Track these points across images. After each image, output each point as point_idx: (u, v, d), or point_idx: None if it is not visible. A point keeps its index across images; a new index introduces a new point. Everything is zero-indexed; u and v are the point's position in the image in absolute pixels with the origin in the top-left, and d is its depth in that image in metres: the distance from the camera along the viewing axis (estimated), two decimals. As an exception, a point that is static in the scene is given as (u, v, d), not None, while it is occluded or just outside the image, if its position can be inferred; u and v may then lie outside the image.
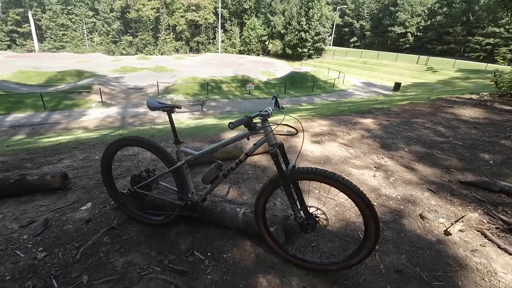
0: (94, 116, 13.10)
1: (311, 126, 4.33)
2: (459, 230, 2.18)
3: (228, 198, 2.43)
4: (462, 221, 2.24)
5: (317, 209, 1.56)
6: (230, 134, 3.98)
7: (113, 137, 4.50)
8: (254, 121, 1.30)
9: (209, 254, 1.82)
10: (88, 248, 1.83)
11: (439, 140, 3.84)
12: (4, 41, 44.84)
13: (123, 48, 48.03)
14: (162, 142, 3.76)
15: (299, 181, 1.51)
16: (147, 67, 27.85)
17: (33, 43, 45.41)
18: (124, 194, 1.96)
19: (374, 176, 2.87)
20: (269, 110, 1.37)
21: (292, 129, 1.37)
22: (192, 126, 6.46)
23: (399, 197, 2.55)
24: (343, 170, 2.97)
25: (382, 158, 3.25)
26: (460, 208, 2.44)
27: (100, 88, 15.69)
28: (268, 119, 1.38)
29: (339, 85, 25.17)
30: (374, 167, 3.06)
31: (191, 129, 5.08)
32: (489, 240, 2.09)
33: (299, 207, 1.54)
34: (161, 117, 13.23)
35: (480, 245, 2.04)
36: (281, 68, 33.78)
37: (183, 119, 12.74)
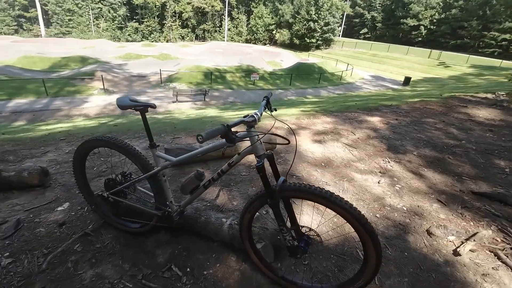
0: (95, 104, 12.96)
1: (314, 123, 4.08)
2: (469, 250, 1.95)
3: (216, 203, 2.23)
4: (474, 240, 2.01)
5: (310, 230, 1.34)
6: (227, 130, 3.76)
7: (108, 127, 4.32)
8: (235, 129, 1.08)
9: (188, 269, 1.63)
10: (56, 257, 1.66)
11: (451, 143, 3.57)
12: (11, 26, 44.67)
13: (129, 35, 47.56)
14: (154, 136, 3.55)
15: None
16: (151, 54, 27.50)
17: (40, 28, 45.13)
18: (100, 197, 1.77)
19: (378, 182, 2.63)
20: (256, 115, 1.14)
21: (283, 139, 1.14)
22: (191, 118, 6.26)
23: (404, 209, 2.32)
24: (345, 174, 2.74)
25: (389, 162, 3.00)
26: (472, 223, 2.21)
27: (102, 75, 15.49)
28: (256, 125, 1.15)
29: (346, 78, 24.56)
30: (379, 172, 2.82)
31: (188, 121, 4.87)
32: (503, 262, 1.87)
33: (289, 227, 1.33)
34: (163, 106, 13.03)
35: (493, 268, 1.82)
36: (288, 59, 33.08)
37: (185, 108, 12.54)
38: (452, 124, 4.27)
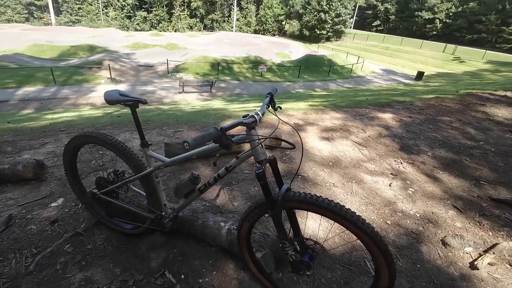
0: (102, 93, 12.92)
1: (322, 119, 3.90)
2: (488, 263, 1.79)
3: (216, 203, 2.12)
4: (493, 252, 1.85)
5: (315, 243, 1.20)
6: (231, 124, 3.62)
7: (112, 118, 4.23)
8: (233, 131, 0.94)
9: (182, 276, 1.52)
10: (45, 257, 1.58)
11: (468, 144, 3.36)
12: (22, 14, 44.91)
13: (137, 24, 47.33)
14: (156, 129, 3.45)
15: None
16: (159, 44, 27.31)
17: (50, 16, 45.27)
18: (91, 196, 1.67)
19: (390, 185, 2.47)
20: (257, 115, 0.99)
21: (288, 144, 0.99)
22: (196, 110, 6.14)
23: (418, 215, 2.16)
24: (354, 175, 2.58)
25: (401, 163, 2.83)
26: (490, 233, 2.04)
27: (109, 65, 15.45)
28: (257, 126, 1.01)
29: (357, 71, 23.97)
30: (391, 173, 2.65)
31: (192, 114, 4.75)
32: (526, 278, 1.71)
33: (291, 240, 1.19)
34: (169, 96, 12.94)
35: (514, 284, 1.66)
36: (297, 50, 32.46)
37: (191, 99, 12.42)
38: (469, 123, 4.04)
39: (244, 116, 1.00)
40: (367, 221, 1.02)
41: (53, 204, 2.02)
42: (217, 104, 8.78)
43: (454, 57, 30.50)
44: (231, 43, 31.14)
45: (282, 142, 0.98)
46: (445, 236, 1.99)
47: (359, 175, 2.58)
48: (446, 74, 24.53)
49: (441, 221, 2.13)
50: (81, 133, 1.42)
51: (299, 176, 2.51)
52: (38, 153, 2.72)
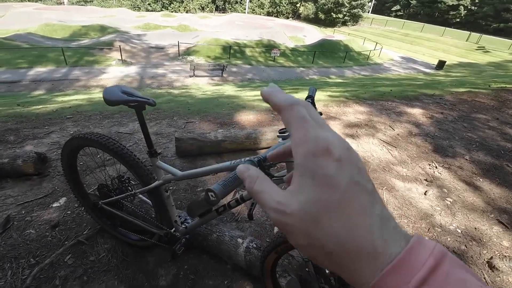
0: (113, 75, 12.78)
1: (344, 113, 3.59)
2: (547, 294, 1.54)
3: (232, 211, 1.91)
4: (552, 281, 1.59)
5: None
6: (245, 117, 3.37)
7: (120, 106, 4.02)
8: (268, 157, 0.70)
9: (195, 300, 1.34)
10: (43, 270, 1.41)
11: (508, 147, 3.01)
12: (35, -9, 44.59)
13: (149, 4, 46.36)
14: (166, 119, 3.23)
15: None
16: (170, 25, 26.68)
17: (62, -6, 44.80)
18: (93, 205, 1.48)
19: (425, 194, 2.20)
20: None
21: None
22: (207, 96, 5.88)
23: (459, 231, 1.90)
24: (384, 180, 2.32)
25: (436, 168, 2.53)
26: (546, 257, 1.77)
27: (120, 46, 15.17)
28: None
29: (374, 58, 22.93)
30: (425, 180, 2.37)
31: (204, 102, 4.49)
32: None
33: (327, 275, 0.97)
34: (180, 80, 12.67)
35: None
36: (311, 34, 31.23)
37: (202, 84, 12.13)
38: (507, 122, 3.65)
39: (281, 131, 0.75)
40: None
41: (54, 205, 1.85)
42: (229, 90, 8.48)
43: (478, 47, 28.77)
44: (244, 26, 30.20)
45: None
46: (491, 258, 1.74)
47: (389, 181, 2.32)
48: (468, 64, 23.20)
49: (485, 239, 1.87)
50: (79, 134, 1.20)
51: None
52: (41, 144, 2.55)
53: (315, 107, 0.97)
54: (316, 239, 0.20)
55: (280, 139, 0.74)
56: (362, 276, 0.19)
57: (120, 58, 14.60)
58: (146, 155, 1.23)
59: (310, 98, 0.96)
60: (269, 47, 19.87)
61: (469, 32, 32.35)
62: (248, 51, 19.23)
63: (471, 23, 41.15)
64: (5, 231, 1.63)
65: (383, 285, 0.18)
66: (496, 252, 1.78)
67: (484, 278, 1.61)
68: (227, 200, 1.01)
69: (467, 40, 31.06)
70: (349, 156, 0.21)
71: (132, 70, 13.64)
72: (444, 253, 0.19)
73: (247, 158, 0.56)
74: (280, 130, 0.75)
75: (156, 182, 1.12)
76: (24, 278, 1.37)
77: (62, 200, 1.89)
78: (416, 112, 3.73)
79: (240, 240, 1.44)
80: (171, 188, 2.03)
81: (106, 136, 1.18)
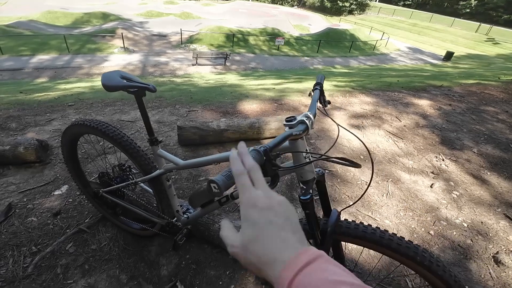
0: (115, 63, 12.67)
1: (350, 103, 3.52)
2: (553, 290, 1.52)
3: (235, 202, 1.88)
4: (560, 277, 1.57)
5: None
6: (249, 106, 3.31)
7: (122, 94, 3.98)
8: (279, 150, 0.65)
9: (196, 290, 1.33)
10: (45, 258, 1.41)
11: (518, 139, 2.94)
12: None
13: (151, -10, 45.47)
14: (168, 107, 3.19)
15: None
16: (173, 12, 26.23)
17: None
18: (94, 194, 1.46)
19: (431, 186, 2.16)
20: (308, 120, 0.68)
21: (353, 164, 0.69)
22: (210, 85, 5.80)
23: (465, 225, 1.87)
24: (390, 172, 2.28)
25: (443, 160, 2.48)
26: (553, 252, 1.73)
27: (122, 33, 14.98)
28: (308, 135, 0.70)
29: (380, 48, 22.47)
30: (432, 172, 2.33)
31: (206, 90, 4.43)
32: None
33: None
34: (182, 68, 12.54)
35: None
36: (317, 23, 30.57)
37: (204, 72, 12.01)
38: (517, 115, 3.56)
39: (288, 119, 0.70)
40: (448, 268, 0.75)
41: (56, 192, 1.84)
42: (232, 79, 8.37)
43: (488, 38, 28.02)
44: (247, 13, 29.61)
45: (343, 162, 0.69)
46: (497, 252, 1.71)
47: (395, 173, 2.28)
48: (477, 55, 22.66)
49: (492, 233, 1.84)
50: (79, 121, 1.17)
51: (326, 171, 2.23)
52: (43, 131, 2.53)
53: (324, 94, 0.92)
54: (248, 258, 0.34)
55: (286, 128, 0.69)
56: (271, 274, 0.31)
57: (123, 45, 14.45)
58: (147, 143, 1.19)
59: (319, 85, 0.91)
60: (273, 35, 19.53)
61: (479, 23, 31.49)
62: (251, 40, 18.92)
63: (481, 14, 39.93)
64: (7, 219, 1.63)
65: (281, 278, 0.30)
66: (502, 247, 1.75)
67: (490, 273, 1.59)
68: (230, 191, 0.98)
69: (476, 31, 30.26)
70: (268, 205, 0.35)
71: (135, 58, 13.51)
72: (318, 255, 0.31)
73: (252, 148, 0.51)
74: (286, 118, 0.71)
75: (157, 171, 1.09)
76: (25, 266, 1.37)
77: (64, 188, 1.88)
78: (424, 103, 3.64)
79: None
80: (173, 177, 2.01)
81: (106, 123, 1.14)
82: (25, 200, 1.76)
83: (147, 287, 1.32)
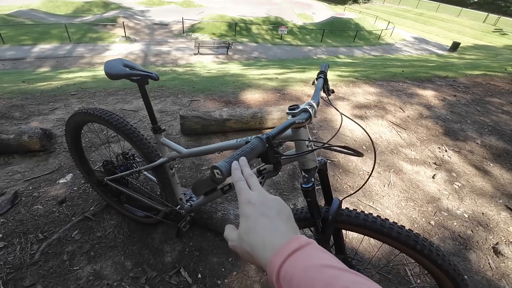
0: (117, 52, 12.57)
1: (354, 93, 3.49)
2: (551, 280, 1.54)
3: (236, 190, 1.90)
4: (558, 267, 1.58)
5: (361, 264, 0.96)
6: (251, 96, 3.29)
7: (122, 82, 3.97)
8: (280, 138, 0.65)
9: (199, 276, 1.36)
10: (51, 245, 1.44)
11: (522, 131, 2.91)
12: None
13: (152, -23, 44.57)
14: (171, 97, 3.18)
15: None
16: (174, 0, 25.79)
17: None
18: (99, 181, 1.48)
19: (433, 177, 2.16)
20: (311, 108, 0.68)
21: (355, 153, 0.69)
22: (212, 74, 5.76)
23: (466, 216, 1.88)
24: (392, 163, 2.28)
25: (446, 151, 2.47)
26: (554, 243, 1.75)
27: (123, 22, 14.79)
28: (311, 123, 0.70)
29: (385, 38, 22.06)
30: (434, 163, 2.32)
31: (208, 80, 4.41)
32: None
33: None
34: (184, 58, 12.43)
35: None
36: (321, 12, 29.96)
37: (206, 62, 11.91)
38: (523, 106, 3.51)
39: (291, 108, 0.70)
40: (449, 258, 0.76)
41: (61, 181, 1.86)
42: (234, 68, 8.30)
43: (496, 29, 27.39)
44: (250, 2, 29.03)
45: (345, 150, 0.69)
46: (497, 243, 1.73)
47: (397, 163, 2.27)
48: (484, 46, 22.18)
49: (492, 224, 1.85)
50: (82, 109, 1.17)
51: (328, 161, 2.23)
52: (47, 120, 2.55)
53: (327, 83, 0.92)
54: (243, 248, 0.37)
55: (289, 116, 0.69)
56: (263, 261, 0.34)
57: (124, 35, 14.30)
58: (151, 132, 1.19)
59: (322, 74, 0.90)
60: (276, 24, 19.21)
61: (487, 13, 30.75)
62: (254, 28, 18.63)
63: (489, 3, 38.84)
64: (13, 207, 1.66)
65: (272, 263, 0.32)
66: (503, 238, 1.77)
67: (489, 263, 1.61)
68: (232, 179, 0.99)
69: (484, 21, 29.58)
70: (262, 201, 0.39)
71: (136, 47, 13.39)
72: (308, 242, 0.33)
73: (255, 136, 0.52)
74: (290, 106, 0.71)
75: (161, 159, 1.09)
76: (32, 253, 1.40)
77: (69, 177, 1.90)
78: (428, 94, 3.60)
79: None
80: (176, 166, 2.03)
81: (110, 111, 1.14)
82: (30, 188, 1.79)
83: (152, 274, 1.35)
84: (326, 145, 0.69)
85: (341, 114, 0.78)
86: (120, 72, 0.93)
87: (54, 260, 1.37)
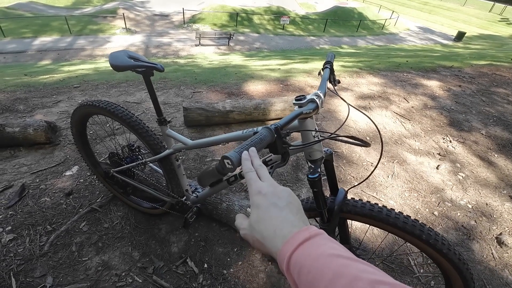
0: (118, 44, 12.49)
1: (358, 84, 3.45)
2: (554, 269, 1.55)
3: (243, 181, 1.91)
4: (561, 257, 1.59)
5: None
6: (254, 87, 3.28)
7: (125, 74, 3.95)
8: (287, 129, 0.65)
9: (205, 265, 1.39)
10: (60, 237, 1.47)
11: (529, 121, 2.88)
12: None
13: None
14: (173, 89, 3.17)
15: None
16: (175, -10, 25.38)
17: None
18: (105, 173, 1.50)
19: (437, 168, 2.16)
20: (318, 98, 0.67)
21: (361, 142, 0.69)
22: (214, 65, 5.72)
23: (469, 206, 1.88)
24: (396, 154, 2.27)
25: (450, 142, 2.46)
26: (557, 233, 1.75)
27: (124, 13, 14.63)
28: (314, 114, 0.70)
29: (389, 27, 21.67)
30: (438, 154, 2.32)
31: (210, 71, 4.38)
32: None
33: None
34: (185, 49, 12.32)
35: None
36: (324, 1, 29.38)
37: (208, 53, 11.81)
38: (530, 96, 3.47)
39: (297, 99, 0.69)
40: (455, 248, 0.76)
41: (67, 173, 1.88)
42: (236, 59, 8.23)
43: (502, 18, 26.78)
44: (252, -9, 28.49)
45: (350, 140, 0.69)
46: (500, 234, 1.73)
47: (401, 154, 2.27)
48: (489, 36, 21.73)
49: (496, 215, 1.86)
50: (87, 101, 1.18)
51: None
52: (50, 113, 2.56)
53: (334, 73, 0.91)
54: (254, 236, 0.38)
55: (296, 107, 0.69)
56: (273, 249, 0.35)
57: (124, 26, 14.17)
58: (156, 123, 1.19)
59: (329, 64, 0.89)
60: (278, 14, 18.90)
61: (493, 2, 30.01)
62: (256, 19, 18.37)
63: (496, -9, 37.78)
64: (21, 199, 1.68)
65: (282, 251, 0.33)
66: (506, 228, 1.77)
67: (492, 253, 1.62)
68: (237, 171, 0.99)
69: (490, 10, 28.91)
70: (272, 192, 0.39)
71: (137, 39, 13.28)
72: (318, 232, 0.34)
73: (263, 126, 0.52)
74: (296, 97, 0.70)
75: (167, 151, 1.10)
76: (42, 245, 1.43)
77: (75, 169, 1.92)
78: (433, 84, 3.56)
79: (249, 210, 1.45)
80: (181, 157, 2.04)
81: (115, 104, 1.15)
82: (37, 181, 1.81)
83: (159, 264, 1.38)
84: (333, 135, 0.69)
85: (348, 104, 0.78)
86: (125, 63, 0.92)
87: (63, 251, 1.40)
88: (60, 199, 1.68)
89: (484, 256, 1.60)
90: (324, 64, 0.89)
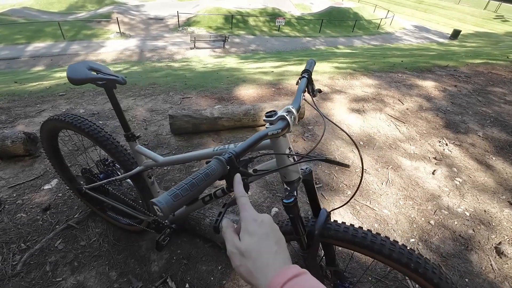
0: (112, 48, 12.40)
1: (351, 86, 3.38)
2: (557, 280, 1.47)
3: (220, 200, 1.83)
4: None
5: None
6: (245, 92, 3.20)
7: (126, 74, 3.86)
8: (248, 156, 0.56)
9: (187, 285, 1.30)
10: (34, 256, 1.38)
11: (526, 121, 2.82)
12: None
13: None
14: (162, 95, 3.09)
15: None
16: (170, -7, 25.35)
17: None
18: (78, 190, 1.41)
19: (433, 173, 2.08)
20: (289, 116, 0.58)
21: (341, 165, 0.61)
22: (208, 69, 5.65)
23: (467, 214, 1.80)
24: (390, 158, 2.19)
25: (446, 145, 2.39)
26: (559, 240, 1.68)
27: (118, 18, 14.55)
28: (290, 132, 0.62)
29: (385, 27, 21.69)
30: (434, 158, 2.24)
31: (202, 75, 4.30)
32: None
33: (323, 267, 0.89)
34: (180, 53, 12.24)
35: None
36: (319, 1, 29.40)
37: (203, 56, 11.73)
38: (527, 95, 3.40)
39: (268, 115, 0.61)
40: (455, 284, 0.69)
41: (46, 187, 1.80)
42: (231, 62, 8.15)
43: (497, 15, 26.90)
44: (247, -7, 28.48)
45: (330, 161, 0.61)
46: (499, 243, 1.65)
47: (396, 159, 2.19)
48: (485, 34, 21.78)
49: (495, 223, 1.78)
50: (53, 116, 1.10)
51: (323, 157, 2.15)
52: (33, 123, 2.47)
53: (312, 83, 0.83)
54: (244, 262, 0.38)
55: (267, 124, 0.61)
56: (262, 279, 0.36)
57: (119, 30, 14.10)
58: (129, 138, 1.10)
59: (306, 73, 0.81)
60: (273, 15, 18.88)
61: (488, 0, 30.14)
62: (251, 21, 18.33)
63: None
64: (-4, 215, 1.60)
65: (272, 282, 0.34)
66: (506, 237, 1.70)
67: (491, 264, 1.54)
68: (213, 190, 0.91)
69: (485, 8, 29.05)
70: (266, 222, 0.42)
71: (132, 43, 13.20)
72: (304, 271, 0.36)
73: (215, 157, 0.43)
74: (266, 113, 0.62)
75: (138, 168, 1.02)
76: (14, 264, 1.34)
77: (54, 182, 1.83)
78: (428, 85, 3.49)
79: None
80: (164, 168, 1.96)
81: (82, 117, 1.06)
82: (14, 195, 1.73)
83: (137, 284, 1.29)
84: (307, 158, 0.61)
85: (324, 118, 0.70)
86: (83, 76, 0.84)
87: (36, 271, 1.32)
88: (36, 215, 1.60)
89: (483, 268, 1.52)
90: (302, 73, 0.81)
